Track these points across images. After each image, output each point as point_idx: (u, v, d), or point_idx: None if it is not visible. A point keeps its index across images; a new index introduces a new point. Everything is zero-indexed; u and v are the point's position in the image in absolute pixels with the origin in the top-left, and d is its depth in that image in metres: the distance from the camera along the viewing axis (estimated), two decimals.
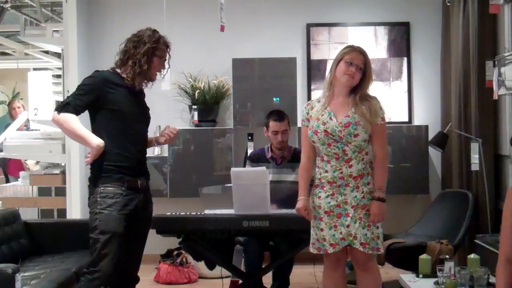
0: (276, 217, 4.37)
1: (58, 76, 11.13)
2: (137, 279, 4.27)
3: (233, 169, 4.44)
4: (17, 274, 3.86)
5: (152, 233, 4.35)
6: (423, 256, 4.73)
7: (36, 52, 10.44)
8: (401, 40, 7.15)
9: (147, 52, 3.96)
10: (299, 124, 6.78)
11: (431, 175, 6.92)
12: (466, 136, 5.99)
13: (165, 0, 6.20)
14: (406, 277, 4.71)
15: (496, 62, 5.46)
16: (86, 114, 4.01)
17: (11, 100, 10.74)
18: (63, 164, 7.05)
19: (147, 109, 4.21)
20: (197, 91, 6.93)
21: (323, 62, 7.17)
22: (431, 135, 6.56)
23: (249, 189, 4.34)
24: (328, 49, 7.17)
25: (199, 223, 4.46)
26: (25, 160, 8.54)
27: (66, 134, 4.44)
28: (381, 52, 7.10)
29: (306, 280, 5.75)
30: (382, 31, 7.17)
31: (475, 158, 5.64)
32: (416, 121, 7.10)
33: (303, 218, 3.99)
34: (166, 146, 6.80)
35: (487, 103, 5.78)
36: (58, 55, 9.67)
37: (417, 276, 4.65)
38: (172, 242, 5.57)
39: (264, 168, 4.48)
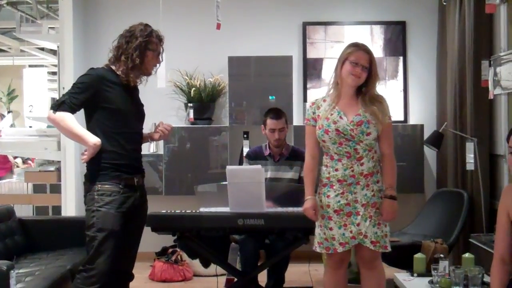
0: (272, 215, 4.36)
1: (54, 73, 11.14)
2: (131, 277, 4.27)
3: (228, 167, 4.43)
4: (12, 271, 3.85)
5: (147, 230, 4.35)
6: (418, 255, 4.74)
7: (32, 49, 10.43)
8: (397, 39, 7.16)
9: (139, 46, 3.94)
10: (295, 123, 6.84)
11: (426, 174, 6.93)
12: (461, 136, 6.00)
13: None
14: (401, 276, 4.72)
15: (491, 62, 5.47)
16: (81, 113, 4.00)
17: None
18: (58, 161, 7.05)
19: (142, 105, 4.20)
20: (193, 89, 6.92)
21: (319, 60, 7.17)
22: (426, 134, 6.56)
23: (244, 187, 4.33)
24: (324, 47, 7.17)
25: (194, 221, 4.45)
26: (15, 158, 8.53)
27: (62, 133, 4.43)
28: (377, 51, 7.09)
29: (301, 278, 5.76)
30: (378, 30, 7.17)
31: (470, 157, 5.65)
32: (412, 120, 7.11)
33: (298, 216, 3.99)
34: (161, 144, 6.80)
35: (483, 102, 5.79)
36: (53, 52, 9.66)
37: (412, 275, 4.66)
38: (167, 239, 5.57)
39: (259, 166, 4.47)
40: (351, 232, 3.83)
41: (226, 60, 6.91)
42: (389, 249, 3.93)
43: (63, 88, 6.46)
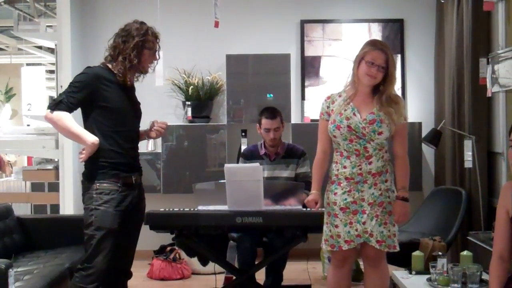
0: (270, 213, 4.36)
1: (52, 72, 11.13)
2: (130, 275, 4.28)
3: (226, 165, 4.42)
4: (10, 270, 3.84)
5: (145, 229, 4.35)
6: (416, 253, 4.74)
7: (30, 47, 10.42)
8: (395, 37, 7.16)
9: (136, 46, 3.93)
10: (292, 121, 6.84)
11: (424, 172, 6.94)
12: (459, 133, 6.00)
13: None
14: (399, 273, 4.72)
15: (489, 59, 5.46)
16: (78, 111, 4.00)
17: None
18: (56, 160, 7.04)
19: (138, 104, 4.20)
20: (191, 87, 6.92)
21: (317, 58, 7.17)
22: (424, 132, 6.57)
23: (242, 185, 4.33)
24: (322, 45, 7.17)
25: (193, 219, 4.45)
26: (6, 154, 8.52)
27: (60, 132, 4.42)
28: None
29: (299, 276, 5.76)
30: (376, 28, 7.17)
31: (468, 155, 5.65)
32: (410, 118, 7.05)
33: (297, 214, 3.99)
34: (159, 142, 6.80)
35: (481, 100, 5.79)
36: (51, 51, 9.66)
37: (410, 273, 4.65)
38: (165, 238, 5.59)
39: (257, 164, 4.47)
40: (356, 230, 3.83)
41: (224, 58, 6.91)
42: (397, 248, 3.91)
43: (61, 86, 6.45)
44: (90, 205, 3.87)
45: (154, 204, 4.68)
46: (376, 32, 7.15)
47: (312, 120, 6.80)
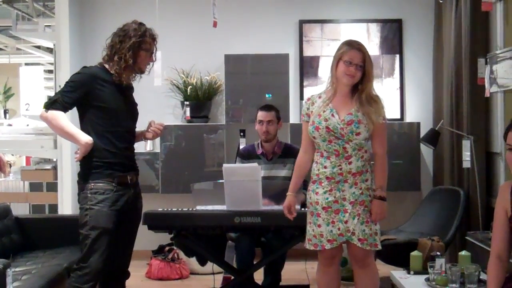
0: (268, 213, 4.37)
1: (50, 71, 11.12)
2: (127, 275, 4.26)
3: (225, 165, 4.43)
4: (8, 269, 3.84)
5: (143, 229, 4.35)
6: (414, 253, 4.74)
7: (28, 47, 10.40)
8: (393, 37, 7.16)
9: (133, 46, 3.92)
10: (291, 121, 6.85)
11: (422, 172, 6.94)
12: (457, 133, 6.01)
13: None
14: (397, 273, 4.72)
15: (488, 60, 5.46)
16: (74, 111, 4.00)
17: None
18: (54, 160, 7.03)
19: (135, 104, 4.19)
20: (189, 87, 6.92)
21: (315, 58, 7.17)
22: (423, 132, 6.56)
23: (241, 185, 4.34)
24: (320, 45, 7.17)
25: (191, 219, 4.45)
26: (4, 154, 8.50)
27: (54, 131, 4.42)
28: (374, 49, 7.10)
29: (297, 276, 5.75)
30: (374, 28, 7.17)
31: (466, 155, 5.65)
32: (408, 118, 7.11)
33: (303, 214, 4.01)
34: (158, 142, 6.80)
35: (479, 100, 5.79)
36: (50, 50, 9.65)
37: (408, 273, 4.65)
38: (164, 238, 5.58)
39: (256, 164, 4.48)
40: (338, 229, 3.86)
41: (222, 58, 6.91)
42: (379, 247, 3.94)
43: (59, 86, 6.43)
44: (84, 205, 3.86)
45: (152, 204, 4.68)
46: (374, 32, 7.15)
47: None
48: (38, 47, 10.30)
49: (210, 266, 5.15)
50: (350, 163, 3.85)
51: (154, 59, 4.11)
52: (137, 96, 4.22)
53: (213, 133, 6.89)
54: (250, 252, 4.96)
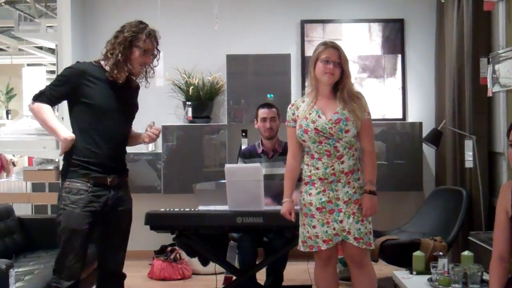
0: (270, 214, 4.37)
1: (52, 72, 11.11)
2: (123, 276, 4.13)
3: (227, 166, 4.44)
4: (11, 270, 3.85)
5: (145, 229, 4.34)
6: (417, 253, 4.74)
7: (30, 47, 10.40)
8: (395, 37, 7.16)
9: (124, 41, 3.79)
10: None
11: (425, 172, 6.93)
12: (460, 133, 6.00)
13: None
14: (400, 273, 4.72)
15: (490, 59, 5.46)
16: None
17: None
18: (56, 160, 7.03)
19: (132, 105, 4.05)
20: (191, 87, 6.92)
21: None
22: (425, 132, 6.55)
23: (243, 186, 4.34)
24: None
25: (193, 219, 4.46)
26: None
27: (39, 124, 4.32)
28: (376, 49, 7.11)
29: (300, 277, 5.75)
30: (376, 28, 7.17)
31: (469, 155, 5.64)
32: (410, 118, 7.11)
33: (297, 214, 4.01)
34: (160, 143, 6.80)
35: (481, 100, 5.78)
36: (52, 51, 9.64)
37: (411, 273, 4.65)
38: (166, 238, 5.58)
39: (258, 164, 4.49)
40: (334, 229, 3.88)
41: (224, 58, 6.91)
42: (373, 246, 3.98)
43: None
44: (59, 204, 3.77)
45: (154, 204, 4.69)
46: (376, 32, 7.15)
47: None
48: (40, 47, 10.31)
49: (212, 266, 5.15)
50: (342, 162, 3.89)
51: (152, 60, 3.95)
52: (139, 96, 4.13)
53: (215, 133, 6.89)
54: (252, 252, 4.96)
